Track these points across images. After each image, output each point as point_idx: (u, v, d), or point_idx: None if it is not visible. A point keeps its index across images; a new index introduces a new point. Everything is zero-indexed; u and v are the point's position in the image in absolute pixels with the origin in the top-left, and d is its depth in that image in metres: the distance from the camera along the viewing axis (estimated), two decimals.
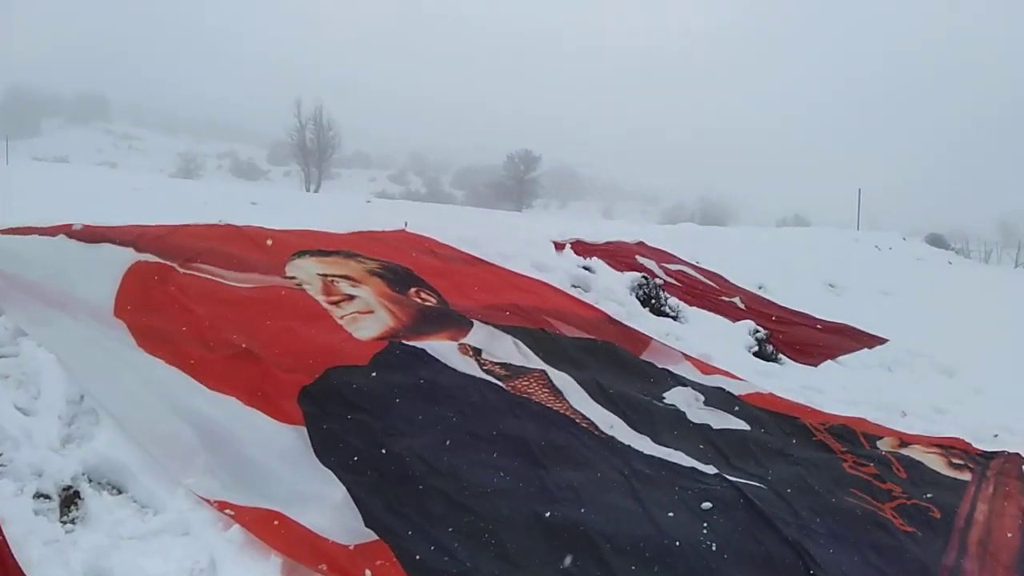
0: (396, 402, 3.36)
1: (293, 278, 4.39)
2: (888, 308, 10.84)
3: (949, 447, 4.37)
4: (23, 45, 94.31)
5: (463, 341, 4.20)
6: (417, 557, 2.46)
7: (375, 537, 2.53)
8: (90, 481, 2.64)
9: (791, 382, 5.67)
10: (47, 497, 2.47)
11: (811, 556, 2.75)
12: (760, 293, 9.37)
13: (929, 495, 3.59)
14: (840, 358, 7.00)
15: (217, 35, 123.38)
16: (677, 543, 2.73)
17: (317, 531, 2.52)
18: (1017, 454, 4.34)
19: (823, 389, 5.66)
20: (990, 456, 4.31)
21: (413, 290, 4.80)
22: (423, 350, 3.89)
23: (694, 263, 9.47)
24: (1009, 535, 3.31)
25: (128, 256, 3.92)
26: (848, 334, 8.02)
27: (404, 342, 3.95)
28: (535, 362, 4.26)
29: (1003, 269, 29.58)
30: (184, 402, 3.03)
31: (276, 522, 2.53)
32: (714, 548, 2.74)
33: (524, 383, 3.96)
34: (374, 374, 3.52)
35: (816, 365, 6.63)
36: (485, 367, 3.99)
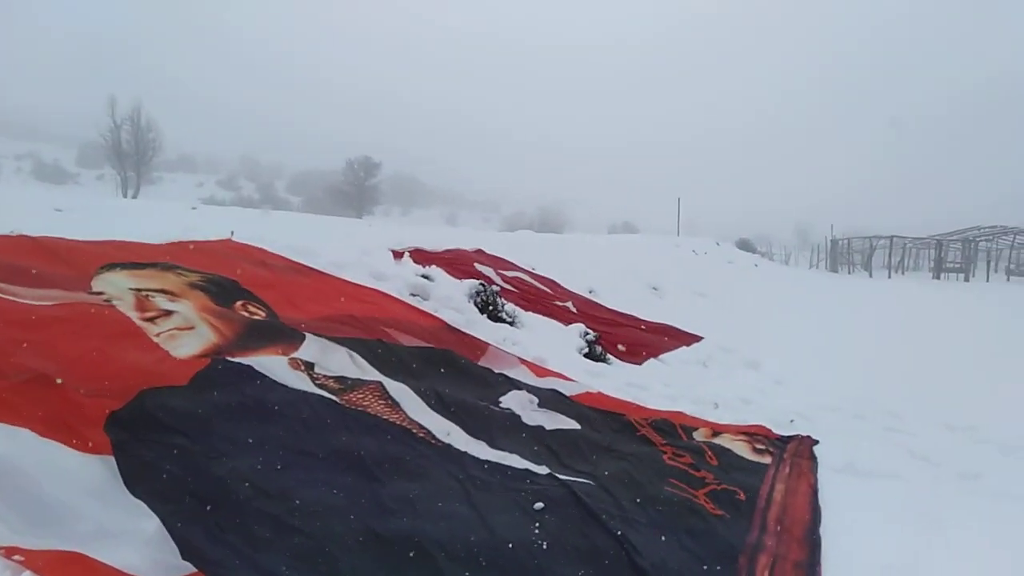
0: (219, 423, 3.17)
1: (101, 293, 4.00)
2: (703, 308, 11.84)
3: (754, 434, 4.84)
4: None
5: (294, 355, 4.05)
6: None
7: (193, 570, 2.37)
8: None
9: (618, 380, 5.99)
10: None
11: (633, 545, 2.92)
12: (591, 297, 9.87)
13: (736, 479, 3.95)
14: (662, 356, 7.52)
15: (13, 22, 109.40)
16: (510, 545, 2.80)
17: (126, 570, 2.31)
18: (808, 437, 4.89)
19: (647, 386, 6.02)
20: (787, 440, 4.82)
21: (239, 303, 4.56)
22: (250, 367, 3.71)
23: (530, 269, 9.79)
24: (801, 511, 3.72)
25: None
26: (669, 333, 8.65)
27: (229, 359, 3.74)
28: (371, 374, 4.21)
29: (799, 270, 33.41)
30: None
31: (76, 564, 2.29)
32: (545, 546, 2.84)
33: (359, 396, 3.89)
34: (194, 394, 3.30)
35: (640, 364, 7.07)
36: (318, 381, 3.87)
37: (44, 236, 4.55)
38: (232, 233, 5.90)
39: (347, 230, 10.44)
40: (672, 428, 4.70)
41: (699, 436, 4.69)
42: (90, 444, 2.76)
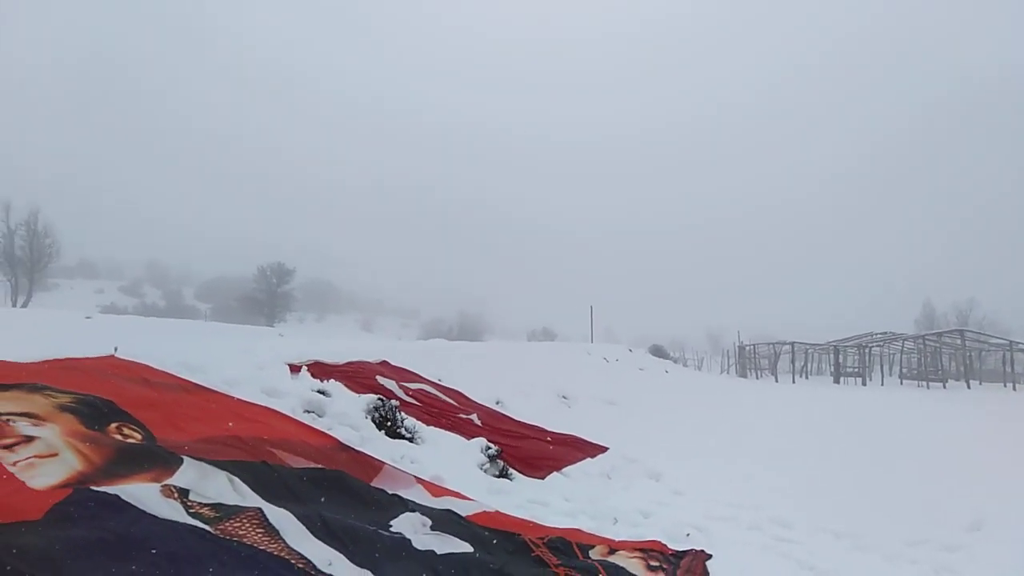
0: (74, 563, 2.92)
1: None
2: (612, 417, 11.95)
3: (648, 550, 4.84)
4: None
5: (168, 482, 3.82)
6: None
7: None
8: None
9: (519, 497, 5.92)
10: None
11: None
12: (498, 408, 9.84)
13: None
14: (565, 469, 7.49)
15: None
16: None
17: None
18: (702, 551, 4.92)
19: (548, 502, 5.97)
20: (681, 555, 4.83)
21: (114, 426, 4.31)
22: (116, 496, 3.47)
23: (436, 381, 9.71)
24: None
25: None
26: (575, 445, 8.67)
27: (94, 488, 3.50)
28: (251, 499, 4.01)
29: (710, 375, 34.45)
30: None
31: None
32: None
33: (236, 524, 3.69)
34: (48, 530, 3.05)
35: (543, 478, 7.01)
36: (192, 510, 3.66)
37: None
38: (116, 349, 5.65)
39: (247, 344, 10.11)
40: (568, 547, 4.64)
41: (595, 554, 4.64)
42: None
